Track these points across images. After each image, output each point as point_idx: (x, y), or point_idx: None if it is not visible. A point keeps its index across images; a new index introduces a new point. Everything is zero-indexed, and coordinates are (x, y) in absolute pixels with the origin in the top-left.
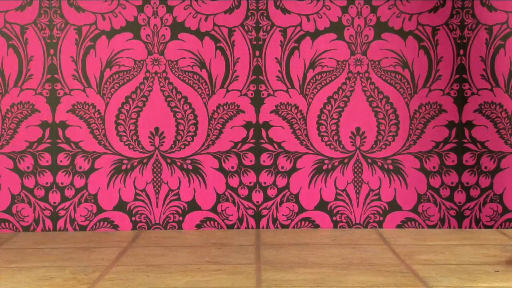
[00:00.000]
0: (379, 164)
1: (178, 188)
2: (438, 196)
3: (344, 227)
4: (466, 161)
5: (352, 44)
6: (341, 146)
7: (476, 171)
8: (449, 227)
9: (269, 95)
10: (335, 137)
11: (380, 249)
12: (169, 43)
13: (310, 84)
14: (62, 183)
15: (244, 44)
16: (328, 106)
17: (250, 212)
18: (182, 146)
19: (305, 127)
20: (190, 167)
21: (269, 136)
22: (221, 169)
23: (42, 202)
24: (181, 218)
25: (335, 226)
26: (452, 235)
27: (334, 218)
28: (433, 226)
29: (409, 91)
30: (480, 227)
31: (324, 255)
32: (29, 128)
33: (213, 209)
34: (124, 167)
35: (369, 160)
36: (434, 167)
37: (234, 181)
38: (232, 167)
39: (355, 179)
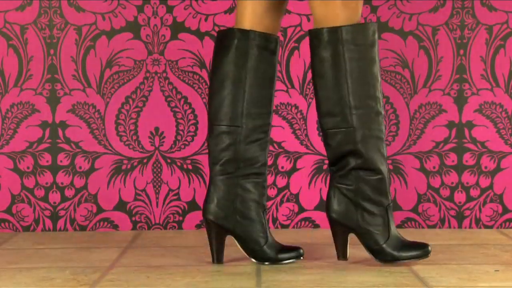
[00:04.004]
0: None
1: (178, 188)
2: (438, 196)
3: None
4: (466, 161)
5: None
6: None
7: (476, 171)
8: (449, 227)
9: None
10: None
11: None
12: (169, 43)
13: (310, 84)
14: (62, 183)
15: None
16: None
17: None
18: (182, 146)
19: (305, 127)
20: (190, 167)
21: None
22: None
23: (42, 202)
24: (181, 218)
25: None
26: (452, 235)
27: None
28: (433, 226)
29: (409, 91)
30: (480, 227)
31: (324, 255)
32: (29, 128)
33: None
34: (124, 167)
35: None
36: (434, 167)
37: None
38: None
39: None
